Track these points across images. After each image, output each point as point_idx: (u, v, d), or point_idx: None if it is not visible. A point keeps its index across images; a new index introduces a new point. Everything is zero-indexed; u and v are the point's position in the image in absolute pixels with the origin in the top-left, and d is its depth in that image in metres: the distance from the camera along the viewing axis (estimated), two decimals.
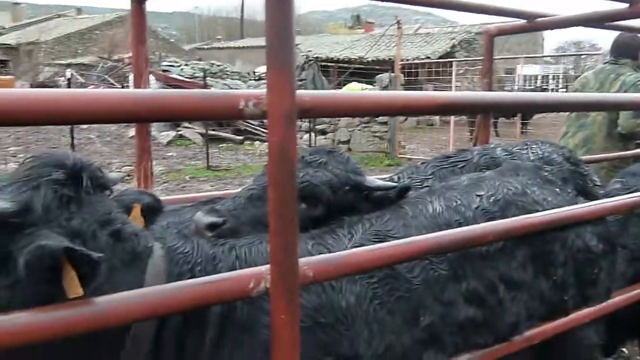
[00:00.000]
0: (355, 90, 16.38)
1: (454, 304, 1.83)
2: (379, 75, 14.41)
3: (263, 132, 16.11)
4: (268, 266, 1.33)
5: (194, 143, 16.13)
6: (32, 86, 30.06)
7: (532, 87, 24.05)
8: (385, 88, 13.43)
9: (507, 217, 1.98)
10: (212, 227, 1.93)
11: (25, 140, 15.39)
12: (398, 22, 13.96)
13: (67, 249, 1.14)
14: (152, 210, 1.70)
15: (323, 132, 15.42)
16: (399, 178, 2.57)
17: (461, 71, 15.74)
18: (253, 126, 16.62)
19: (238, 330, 1.53)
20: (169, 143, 16.09)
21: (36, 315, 1.08)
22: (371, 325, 1.67)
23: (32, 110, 0.94)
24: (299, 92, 1.25)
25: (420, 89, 20.54)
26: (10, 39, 43.58)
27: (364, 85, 14.85)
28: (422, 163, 2.71)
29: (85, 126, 16.03)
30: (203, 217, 1.95)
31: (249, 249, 1.67)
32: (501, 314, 1.91)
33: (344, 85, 17.04)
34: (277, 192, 1.25)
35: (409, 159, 13.43)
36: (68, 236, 1.30)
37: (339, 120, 14.54)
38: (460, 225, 1.92)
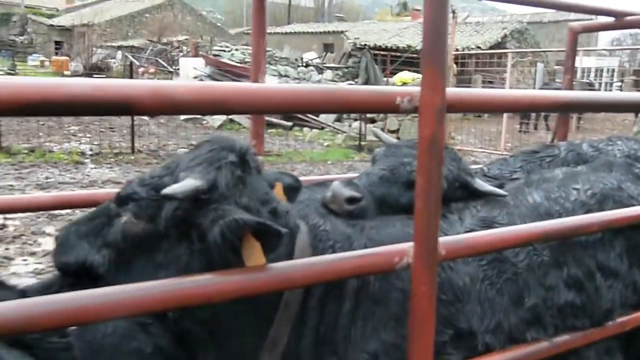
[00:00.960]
0: (406, 80, 16.38)
1: (555, 288, 1.97)
2: None
3: (313, 119, 16.31)
4: (410, 244, 1.50)
5: (244, 127, 16.45)
6: (85, 67, 31.04)
7: (587, 80, 23.40)
8: None
9: (605, 210, 2.10)
10: (351, 200, 1.99)
11: (83, 121, 15.96)
12: (453, 12, 13.85)
13: (259, 222, 1.34)
14: (293, 189, 1.88)
15: (372, 121, 15.51)
16: (488, 169, 2.70)
17: (511, 62, 15.47)
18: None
19: (371, 303, 1.71)
20: (220, 126, 16.45)
21: (230, 276, 1.28)
22: (483, 304, 1.83)
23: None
24: (448, 89, 1.40)
25: (469, 80, 20.31)
26: (64, 21, 44.98)
27: (415, 75, 14.82)
28: (511, 156, 2.83)
29: None
30: (343, 189, 2.00)
31: (377, 232, 1.85)
32: (597, 300, 2.04)
33: (394, 74, 17.04)
34: (425, 178, 1.41)
35: (458, 150, 13.38)
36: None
37: None
38: (560, 215, 2.05)
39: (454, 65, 13.92)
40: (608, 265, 2.07)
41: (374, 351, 1.69)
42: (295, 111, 1.24)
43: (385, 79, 17.44)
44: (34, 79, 1.02)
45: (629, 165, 2.49)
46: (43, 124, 14.52)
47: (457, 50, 14.41)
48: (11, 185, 8.77)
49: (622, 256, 2.11)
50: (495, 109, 1.60)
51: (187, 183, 1.46)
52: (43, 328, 1.10)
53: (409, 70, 16.49)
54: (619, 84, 25.60)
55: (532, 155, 2.80)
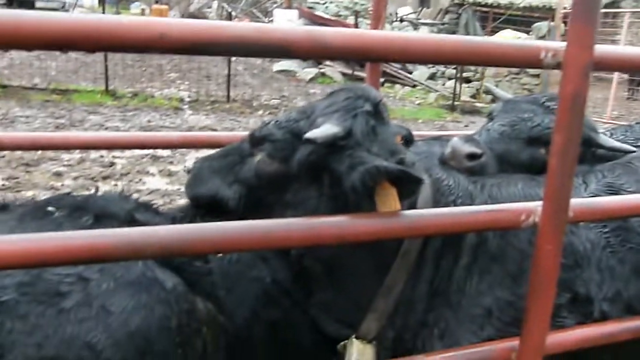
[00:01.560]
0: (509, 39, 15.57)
1: None
2: (537, 23, 13.56)
3: (405, 76, 16.00)
4: (539, 203, 1.48)
5: (335, 81, 16.43)
6: (182, 16, 31.97)
7: None
8: (542, 38, 12.67)
9: None
10: (472, 156, 1.99)
11: (181, 68, 16.57)
12: None
13: (401, 170, 1.38)
14: (409, 142, 1.90)
15: (467, 80, 14.99)
16: (611, 135, 2.57)
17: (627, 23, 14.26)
18: (395, 69, 16.54)
19: (488, 259, 1.72)
20: (311, 80, 16.53)
21: (366, 219, 1.33)
22: (603, 271, 1.79)
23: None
24: (597, 46, 1.34)
25: None
26: None
27: (518, 34, 14.07)
28: (637, 123, 2.68)
29: (234, 58, 16.92)
30: (463, 145, 1.99)
31: (499, 190, 1.84)
32: None
33: (494, 33, 16.24)
34: (564, 136, 1.38)
35: None
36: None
37: (486, 68, 14.02)
38: None
39: (562, 25, 13.06)
40: None
41: (489, 306, 1.70)
42: (438, 62, 1.24)
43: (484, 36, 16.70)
44: (202, 21, 1.09)
45: None
46: (145, 70, 15.25)
47: (565, 8, 13.47)
48: (117, 127, 9.36)
49: None
50: None
51: (326, 128, 1.50)
52: (195, 252, 1.21)
53: (512, 29, 15.64)
54: None
55: None
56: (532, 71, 13.40)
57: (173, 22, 1.03)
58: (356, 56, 1.18)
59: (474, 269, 1.72)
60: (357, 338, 1.68)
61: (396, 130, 1.85)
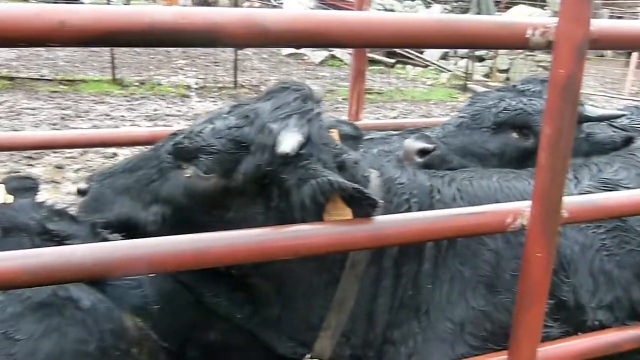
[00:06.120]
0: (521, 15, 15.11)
1: None
2: None
3: (417, 56, 15.66)
4: (527, 203, 1.30)
5: (345, 64, 16.15)
6: (193, 2, 31.69)
7: None
8: (556, 12, 12.21)
9: None
10: (422, 152, 1.92)
11: (190, 54, 16.42)
12: None
13: (356, 189, 1.21)
14: (352, 138, 1.74)
15: (481, 59, 14.60)
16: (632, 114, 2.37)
17: None
18: (405, 49, 16.18)
19: (458, 263, 1.54)
20: (321, 63, 16.27)
21: (324, 228, 1.17)
22: (596, 277, 1.60)
23: None
24: (594, 21, 1.15)
25: (594, 15, 18.42)
26: None
27: (532, 9, 13.62)
28: None
29: None
30: (414, 143, 1.93)
31: (471, 183, 1.65)
32: None
33: (508, 9, 15.75)
34: (554, 126, 1.20)
35: None
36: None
37: None
38: None
39: None
40: None
41: (461, 320, 1.52)
42: (407, 45, 1.07)
43: (498, 13, 16.18)
44: (110, 7, 0.92)
45: None
46: (153, 58, 15.13)
47: None
48: (123, 116, 9.27)
49: None
50: None
51: (291, 137, 1.32)
52: (122, 274, 1.06)
53: (527, 4, 15.13)
54: None
55: None
56: None
57: (75, 9, 0.87)
58: (302, 42, 1.02)
59: (443, 275, 1.53)
60: (312, 358, 1.52)
61: (332, 125, 1.69)
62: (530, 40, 1.16)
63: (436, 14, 1.16)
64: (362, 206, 1.24)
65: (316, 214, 1.29)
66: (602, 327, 1.60)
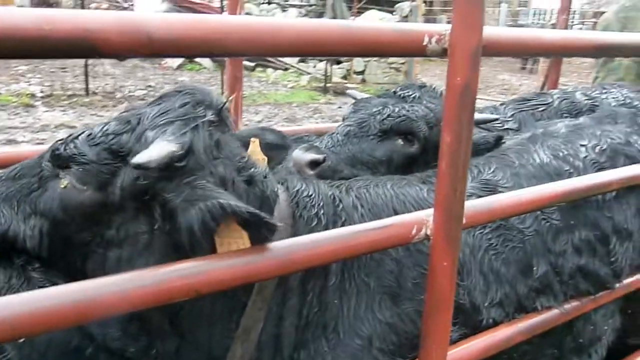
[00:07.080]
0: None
1: (565, 253, 1.81)
2: (399, 3, 13.91)
3: (276, 59, 15.73)
4: (429, 211, 1.29)
5: (205, 68, 15.77)
6: (31, 1, 29.01)
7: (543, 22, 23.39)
8: (405, 18, 13.02)
9: (617, 167, 1.94)
10: (313, 164, 1.88)
11: (32, 60, 14.96)
12: None
13: (251, 213, 1.09)
14: (277, 147, 1.63)
15: (338, 62, 15.06)
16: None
17: None
18: None
19: (364, 275, 1.50)
20: (179, 67, 15.71)
21: (222, 262, 1.04)
22: (487, 276, 1.66)
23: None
24: (485, 28, 1.16)
25: (434, 20, 19.91)
26: None
27: (384, 15, 14.35)
28: (501, 104, 2.65)
29: None
30: (303, 154, 1.87)
31: (367, 190, 1.63)
32: (610, 263, 1.90)
33: (361, 14, 16.41)
34: (453, 135, 1.19)
35: None
36: (218, 185, 1.24)
37: None
38: (571, 175, 1.88)
39: (422, 4, 13.52)
40: (624, 227, 1.92)
41: (369, 335, 1.48)
42: (310, 53, 0.98)
43: (352, 17, 16.82)
44: None
45: (633, 115, 2.32)
46: None
47: None
48: None
49: (636, 215, 1.96)
50: (540, 51, 1.36)
51: (160, 147, 1.16)
52: None
53: (377, 10, 15.89)
54: (580, 26, 25.57)
55: (523, 103, 2.62)
56: None
57: None
58: (194, 52, 0.89)
59: (350, 289, 1.48)
60: None
61: (253, 134, 1.58)
62: (427, 48, 1.14)
63: (338, 21, 1.09)
64: (260, 231, 1.12)
65: (209, 239, 1.16)
66: (496, 324, 1.66)
